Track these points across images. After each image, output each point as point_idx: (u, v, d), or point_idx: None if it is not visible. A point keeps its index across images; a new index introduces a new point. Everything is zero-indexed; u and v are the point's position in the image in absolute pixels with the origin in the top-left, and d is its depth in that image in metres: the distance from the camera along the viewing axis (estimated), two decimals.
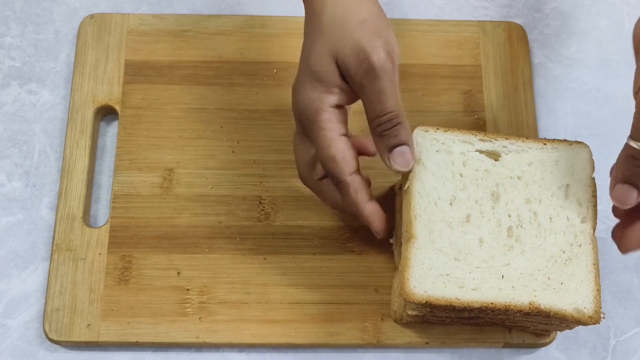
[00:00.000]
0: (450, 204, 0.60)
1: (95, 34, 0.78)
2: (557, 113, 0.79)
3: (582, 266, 0.60)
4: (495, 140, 0.62)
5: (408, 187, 0.60)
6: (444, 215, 0.60)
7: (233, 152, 0.74)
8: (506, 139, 0.62)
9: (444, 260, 0.59)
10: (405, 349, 0.70)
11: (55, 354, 0.69)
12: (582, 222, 0.61)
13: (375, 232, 0.63)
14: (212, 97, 0.76)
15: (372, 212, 0.61)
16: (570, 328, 0.65)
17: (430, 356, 0.70)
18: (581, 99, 0.80)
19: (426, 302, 0.58)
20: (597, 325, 0.70)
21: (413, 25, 0.80)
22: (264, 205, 0.72)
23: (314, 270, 0.70)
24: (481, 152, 0.62)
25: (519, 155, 0.62)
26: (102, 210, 0.74)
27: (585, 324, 0.59)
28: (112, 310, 0.68)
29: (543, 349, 0.70)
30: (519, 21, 0.82)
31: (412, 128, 0.74)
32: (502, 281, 0.59)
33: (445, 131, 0.62)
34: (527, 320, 0.63)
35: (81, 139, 0.74)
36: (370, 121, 0.58)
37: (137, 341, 0.68)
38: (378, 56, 0.56)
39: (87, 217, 0.73)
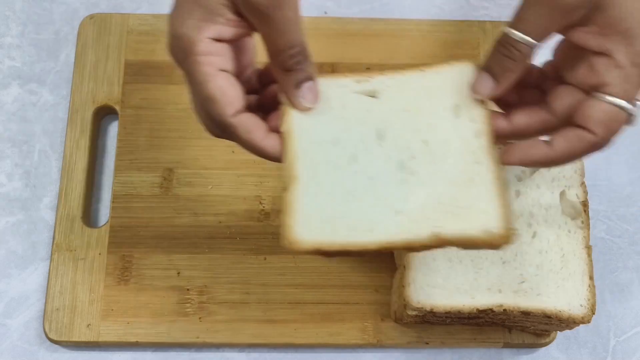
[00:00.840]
0: (334, 145, 0.54)
1: (95, 34, 0.78)
2: None
3: (485, 184, 0.53)
4: (372, 78, 0.56)
5: (287, 129, 0.54)
6: (328, 157, 0.54)
7: (233, 152, 0.74)
8: (382, 74, 0.57)
9: (333, 203, 0.53)
10: (405, 349, 0.70)
11: (55, 354, 0.69)
12: (477, 137, 0.54)
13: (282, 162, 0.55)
14: None
15: (273, 146, 0.53)
16: (570, 328, 0.65)
17: (430, 356, 0.70)
18: None
19: (316, 249, 0.51)
20: (597, 325, 0.71)
21: (413, 25, 0.80)
22: (264, 205, 0.72)
23: (314, 270, 0.70)
24: (360, 93, 0.56)
25: (400, 89, 0.57)
26: (102, 210, 0.74)
27: (498, 245, 0.52)
28: (112, 310, 0.68)
29: (543, 349, 0.70)
30: None
31: None
32: (399, 217, 0.53)
33: (319, 77, 0.55)
34: (527, 320, 0.63)
35: (81, 139, 0.74)
36: (276, 55, 0.51)
37: (137, 341, 0.68)
38: None
39: (87, 217, 0.73)
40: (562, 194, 0.65)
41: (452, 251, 0.63)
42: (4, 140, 0.76)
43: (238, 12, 0.50)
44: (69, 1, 0.82)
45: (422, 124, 0.55)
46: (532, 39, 0.49)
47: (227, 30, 0.51)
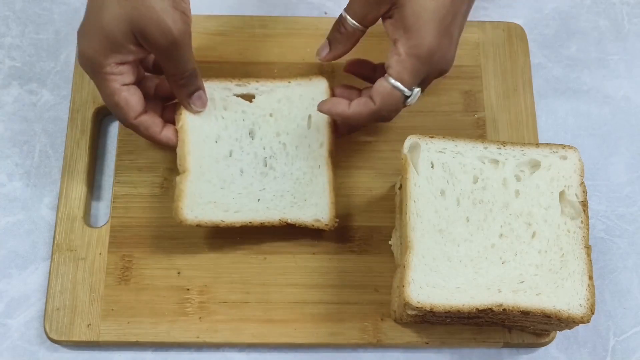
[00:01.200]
0: (216, 142, 0.70)
1: None
2: (556, 113, 0.80)
3: (320, 184, 0.69)
4: (249, 83, 0.72)
5: (182, 125, 0.68)
6: (211, 152, 0.69)
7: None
8: (257, 81, 0.72)
9: (212, 190, 0.68)
10: (405, 349, 0.70)
11: (56, 353, 0.69)
12: (320, 146, 0.70)
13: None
14: None
15: (168, 137, 0.68)
16: (570, 328, 0.65)
17: (430, 356, 0.70)
18: (581, 99, 0.80)
19: (197, 224, 0.66)
20: (597, 325, 0.71)
21: None
22: None
23: (314, 270, 0.70)
24: (238, 95, 0.72)
25: (269, 95, 0.72)
26: (102, 210, 0.74)
27: (324, 230, 0.68)
28: (113, 310, 0.68)
29: (543, 348, 0.70)
30: (518, 21, 0.82)
31: (411, 129, 0.75)
32: (259, 204, 0.68)
33: (206, 80, 0.70)
34: (527, 319, 0.63)
35: (82, 139, 0.74)
36: (171, 77, 0.66)
37: (137, 341, 0.68)
38: (177, 27, 0.60)
39: (87, 217, 0.73)
40: (562, 194, 0.65)
41: (452, 251, 0.63)
42: (4, 140, 0.76)
43: (139, 44, 0.62)
44: (69, 1, 0.82)
45: (283, 129, 0.71)
46: (356, 22, 0.65)
47: (129, 56, 0.63)
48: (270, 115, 0.71)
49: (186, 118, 0.69)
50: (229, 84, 0.71)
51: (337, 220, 0.68)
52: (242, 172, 0.70)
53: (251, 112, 0.71)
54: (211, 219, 0.67)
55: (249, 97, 0.72)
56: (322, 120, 0.71)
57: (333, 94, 0.71)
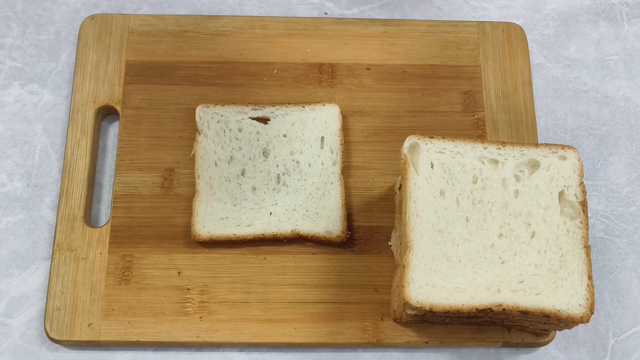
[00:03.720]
0: (228, 162, 0.73)
1: (96, 34, 0.78)
2: (556, 113, 0.80)
3: (332, 199, 0.72)
4: (264, 107, 0.75)
5: (194, 154, 0.72)
6: (222, 173, 0.72)
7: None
8: (272, 105, 0.75)
9: (223, 207, 0.71)
10: (405, 348, 0.70)
11: (57, 353, 0.69)
12: (333, 165, 0.73)
13: None
14: (212, 97, 0.76)
15: None
16: (569, 328, 0.65)
17: (429, 355, 0.70)
18: (580, 99, 0.80)
19: (209, 239, 0.70)
20: (596, 325, 0.71)
21: (413, 25, 0.80)
22: None
23: (314, 270, 0.71)
24: (253, 118, 0.74)
25: (284, 118, 0.74)
26: (103, 210, 0.74)
27: (334, 242, 0.70)
28: (113, 309, 0.68)
29: (542, 348, 0.70)
30: (518, 22, 0.83)
31: (411, 129, 0.75)
32: (271, 217, 0.71)
33: (222, 106, 0.74)
34: (526, 319, 0.63)
35: (82, 139, 0.74)
36: None
37: (137, 340, 0.68)
38: None
39: (88, 217, 0.73)
40: (561, 194, 0.65)
41: (452, 251, 0.64)
42: (5, 140, 0.76)
43: None
44: (69, 2, 0.82)
45: (297, 148, 0.74)
46: None
47: None
48: (284, 135, 0.74)
49: (199, 145, 0.72)
50: (246, 108, 0.74)
51: (349, 233, 0.71)
52: (255, 189, 0.72)
53: (265, 133, 0.74)
54: (223, 233, 0.70)
55: (264, 120, 0.74)
56: (336, 141, 0.73)
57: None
